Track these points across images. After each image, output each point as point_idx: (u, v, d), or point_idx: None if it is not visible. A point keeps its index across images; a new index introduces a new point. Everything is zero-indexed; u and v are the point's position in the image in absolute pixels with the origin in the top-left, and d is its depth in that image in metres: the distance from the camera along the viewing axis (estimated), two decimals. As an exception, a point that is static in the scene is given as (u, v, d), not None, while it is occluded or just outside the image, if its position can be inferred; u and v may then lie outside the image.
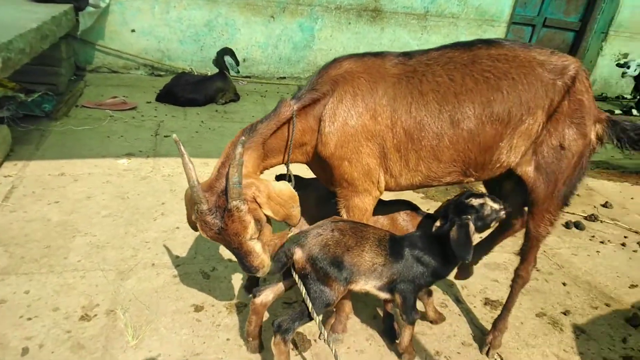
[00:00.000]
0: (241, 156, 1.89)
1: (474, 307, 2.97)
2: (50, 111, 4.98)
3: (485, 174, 2.30)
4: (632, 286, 3.36)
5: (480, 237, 2.72)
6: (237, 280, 2.89)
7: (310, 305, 2.09)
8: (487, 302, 3.02)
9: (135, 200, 3.67)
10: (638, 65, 7.99)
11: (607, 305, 3.12)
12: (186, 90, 6.02)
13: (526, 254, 2.45)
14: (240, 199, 1.91)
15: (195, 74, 6.89)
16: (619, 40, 8.84)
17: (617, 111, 8.11)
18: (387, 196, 2.78)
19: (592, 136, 2.19)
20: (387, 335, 2.60)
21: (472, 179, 2.33)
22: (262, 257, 2.05)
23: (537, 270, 3.41)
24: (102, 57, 6.87)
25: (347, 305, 2.56)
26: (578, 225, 4.10)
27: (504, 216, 2.38)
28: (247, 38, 7.32)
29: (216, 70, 6.40)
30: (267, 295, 2.30)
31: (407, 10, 7.40)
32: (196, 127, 5.48)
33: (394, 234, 2.37)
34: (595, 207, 4.56)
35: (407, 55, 2.17)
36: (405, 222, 2.69)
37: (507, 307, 2.62)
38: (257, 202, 1.98)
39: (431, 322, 2.76)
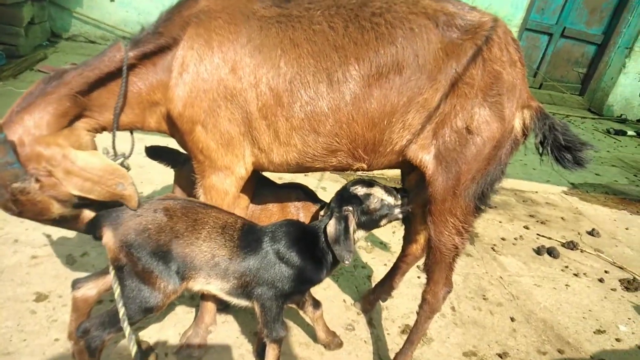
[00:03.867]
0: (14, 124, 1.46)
1: (388, 334, 2.42)
2: (-5, 70, 4.65)
3: (378, 160, 1.81)
4: (599, 332, 2.74)
5: (366, 237, 2.31)
6: (104, 269, 2.42)
7: (121, 310, 1.59)
8: (407, 330, 2.46)
9: (37, 169, 3.24)
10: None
11: (560, 352, 2.52)
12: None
13: (430, 271, 1.91)
14: (22, 179, 1.45)
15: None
16: (646, 58, 8.06)
17: (631, 132, 7.33)
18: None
19: (517, 124, 1.66)
20: (260, 356, 2.09)
21: (364, 165, 1.84)
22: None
23: (484, 299, 2.83)
24: (79, 25, 6.56)
25: (209, 314, 2.05)
26: (551, 252, 3.49)
27: (400, 215, 1.86)
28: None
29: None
30: (90, 288, 1.82)
31: (408, 3, 6.86)
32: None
33: (251, 223, 1.88)
34: (578, 233, 3.92)
35: None
36: (297, 212, 2.20)
37: (410, 339, 2.07)
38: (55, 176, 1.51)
39: (323, 345, 2.22)
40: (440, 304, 1.98)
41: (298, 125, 1.69)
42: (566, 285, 3.16)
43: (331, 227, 1.76)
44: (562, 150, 1.68)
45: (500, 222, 3.85)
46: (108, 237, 1.61)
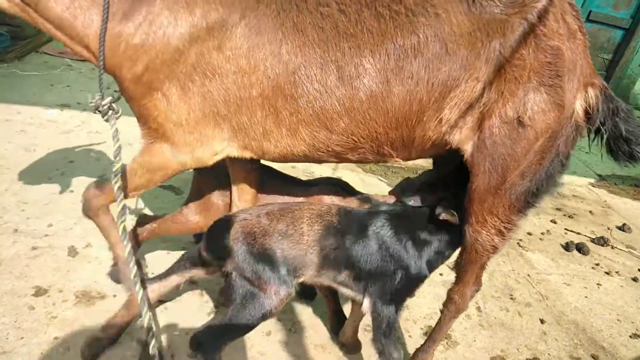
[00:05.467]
0: None
1: (410, 336, 2.25)
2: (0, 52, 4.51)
3: (413, 153, 1.62)
4: (635, 336, 2.55)
5: None
6: (108, 264, 2.27)
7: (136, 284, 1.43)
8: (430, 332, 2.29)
9: (40, 155, 3.10)
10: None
11: (594, 357, 2.33)
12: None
13: (462, 270, 1.74)
14: None
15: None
16: (676, 45, 7.67)
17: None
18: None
19: (578, 106, 1.45)
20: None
21: (398, 160, 1.65)
22: None
23: (511, 299, 2.64)
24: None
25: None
26: (581, 249, 3.28)
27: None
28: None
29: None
30: (152, 291, 1.75)
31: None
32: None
33: (346, 207, 1.78)
34: (608, 228, 3.70)
35: None
36: None
37: (432, 337, 1.92)
38: None
39: (343, 343, 2.07)
40: (467, 303, 1.82)
41: (306, 121, 1.51)
42: (598, 284, 2.96)
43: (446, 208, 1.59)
44: (620, 141, 1.48)
45: (525, 215, 3.63)
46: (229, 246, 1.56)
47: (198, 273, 1.76)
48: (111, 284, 2.17)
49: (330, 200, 2.02)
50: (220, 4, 1.43)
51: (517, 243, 3.23)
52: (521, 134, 1.41)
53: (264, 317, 1.57)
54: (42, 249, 2.31)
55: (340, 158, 1.63)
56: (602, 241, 3.42)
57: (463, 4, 1.40)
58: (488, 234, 1.57)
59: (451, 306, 1.81)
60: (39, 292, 2.07)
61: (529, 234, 3.39)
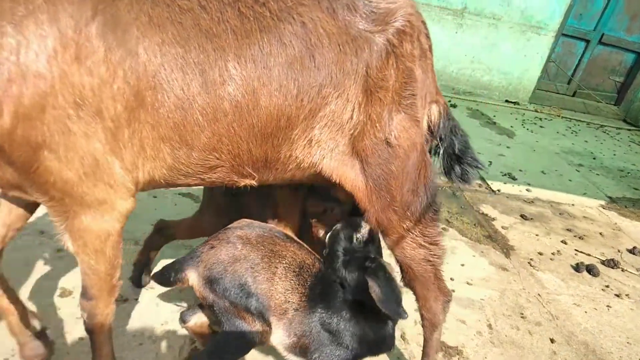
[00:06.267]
0: None
1: (420, 351, 2.29)
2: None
3: (274, 176, 1.55)
4: (645, 359, 2.57)
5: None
6: (129, 268, 2.33)
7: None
8: (443, 346, 2.33)
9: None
10: None
11: (604, 379, 2.35)
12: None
13: (412, 288, 1.76)
14: None
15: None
16: (688, 70, 7.73)
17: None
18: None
19: (424, 122, 1.52)
20: None
21: (253, 182, 1.55)
22: None
23: (522, 317, 2.68)
24: None
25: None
26: (591, 270, 3.31)
27: None
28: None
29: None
30: (200, 316, 1.77)
31: (442, 3, 6.67)
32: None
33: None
34: (619, 251, 3.72)
35: None
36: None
37: (425, 352, 1.95)
38: None
39: None
40: (439, 316, 1.82)
41: (166, 136, 1.30)
42: (607, 306, 2.98)
43: (375, 287, 1.47)
44: (453, 159, 1.56)
45: (536, 235, 3.67)
46: (192, 278, 1.54)
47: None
48: (132, 288, 2.23)
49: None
50: (67, 1, 1.14)
51: (528, 262, 3.26)
52: (392, 153, 1.44)
53: (249, 345, 1.53)
54: (66, 252, 2.38)
55: (199, 180, 1.48)
56: (612, 263, 3.44)
57: (328, 16, 1.33)
58: (412, 249, 1.60)
59: (426, 322, 1.84)
60: (64, 293, 2.14)
61: (540, 253, 3.42)
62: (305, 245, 1.74)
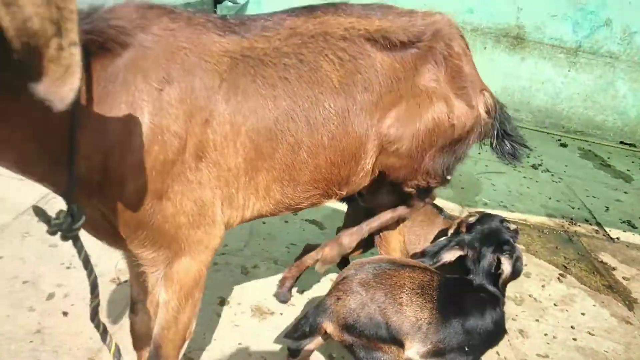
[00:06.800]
0: None
1: None
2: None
3: (351, 188, 1.82)
4: None
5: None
6: (273, 284, 2.66)
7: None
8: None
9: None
10: None
11: None
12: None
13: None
14: None
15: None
16: None
17: None
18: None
19: (481, 108, 1.81)
20: None
21: (335, 199, 1.84)
22: None
23: None
24: None
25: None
26: None
27: None
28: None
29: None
30: (307, 346, 1.99)
31: (554, 42, 6.56)
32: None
33: (446, 277, 1.91)
34: None
35: (227, 21, 1.48)
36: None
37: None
38: None
39: None
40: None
41: (278, 177, 1.52)
42: None
43: (507, 266, 1.83)
44: (505, 136, 1.82)
45: (661, 288, 3.48)
46: (330, 329, 1.77)
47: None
48: (277, 303, 2.54)
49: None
50: (202, 68, 1.31)
51: None
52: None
53: None
54: (221, 265, 2.77)
55: (293, 209, 1.72)
56: None
57: (385, 55, 1.64)
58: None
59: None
60: (223, 302, 2.50)
61: None
62: (413, 262, 1.95)
